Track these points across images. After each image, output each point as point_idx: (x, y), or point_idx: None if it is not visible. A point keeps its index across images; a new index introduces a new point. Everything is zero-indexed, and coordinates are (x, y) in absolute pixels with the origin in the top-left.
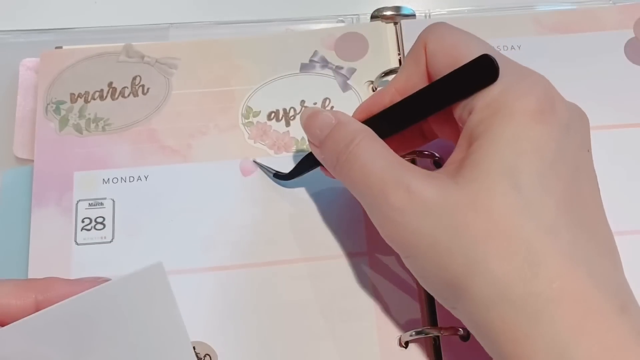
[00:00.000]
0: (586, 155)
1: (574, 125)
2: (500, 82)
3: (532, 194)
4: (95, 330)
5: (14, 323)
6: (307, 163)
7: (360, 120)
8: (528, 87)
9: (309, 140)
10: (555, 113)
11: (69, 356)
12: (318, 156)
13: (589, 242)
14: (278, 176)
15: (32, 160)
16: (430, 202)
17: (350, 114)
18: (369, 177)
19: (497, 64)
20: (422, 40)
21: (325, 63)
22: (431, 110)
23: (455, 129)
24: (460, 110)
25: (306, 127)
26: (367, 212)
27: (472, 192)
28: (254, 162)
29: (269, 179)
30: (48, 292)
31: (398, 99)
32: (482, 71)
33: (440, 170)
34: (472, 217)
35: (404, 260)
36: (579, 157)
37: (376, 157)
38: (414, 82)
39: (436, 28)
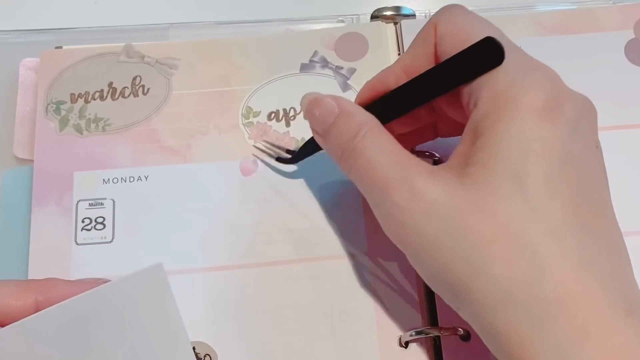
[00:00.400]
0: (595, 153)
1: (582, 123)
2: (508, 73)
3: (538, 197)
4: (95, 331)
5: (14, 323)
6: (310, 146)
7: (365, 101)
8: (536, 82)
9: (311, 127)
10: (563, 111)
11: (69, 357)
12: (322, 145)
13: (596, 244)
14: (281, 160)
15: (32, 160)
16: (434, 203)
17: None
18: (373, 173)
19: (502, 47)
20: (433, 21)
21: (325, 63)
22: (435, 93)
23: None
24: (466, 98)
25: (308, 113)
26: (372, 208)
27: (477, 195)
28: (254, 146)
29: (269, 179)
30: (48, 293)
31: (403, 78)
32: (487, 54)
33: (446, 165)
34: (477, 220)
35: (408, 258)
36: (587, 156)
37: (381, 151)
38: (420, 62)
39: (449, 10)
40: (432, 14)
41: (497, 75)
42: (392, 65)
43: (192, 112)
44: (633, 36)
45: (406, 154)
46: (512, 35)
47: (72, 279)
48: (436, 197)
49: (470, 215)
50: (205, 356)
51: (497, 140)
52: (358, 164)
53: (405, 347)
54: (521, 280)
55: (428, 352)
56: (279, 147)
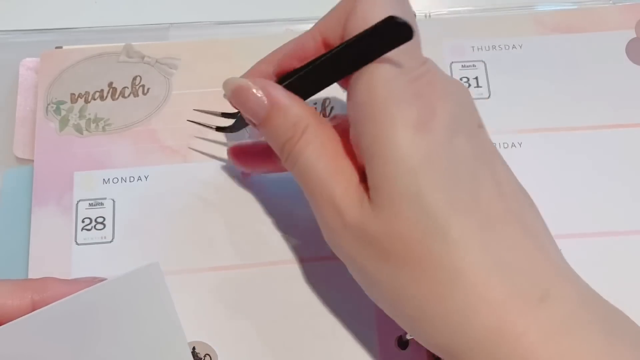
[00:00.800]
0: (479, 137)
1: (460, 116)
2: (383, 81)
3: (438, 212)
4: (91, 330)
5: (10, 322)
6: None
7: (285, 69)
8: (408, 94)
9: (242, 114)
10: (438, 115)
11: (65, 355)
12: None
13: (500, 237)
14: (221, 129)
15: (33, 160)
16: (352, 226)
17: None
18: (309, 181)
19: (407, 25)
20: None
21: None
22: (339, 75)
23: None
24: (349, 89)
25: (235, 103)
26: None
27: (383, 219)
28: (189, 121)
29: (269, 179)
30: (44, 292)
31: (322, 47)
32: (388, 35)
33: (363, 179)
34: (389, 245)
35: None
36: (473, 146)
37: (317, 157)
38: (336, 32)
39: None
40: (432, 13)
41: (374, 81)
42: (311, 29)
43: (192, 112)
44: (634, 35)
45: (341, 158)
46: (513, 35)
47: (71, 278)
48: (352, 221)
49: (382, 241)
50: (205, 356)
51: (382, 165)
52: (296, 170)
53: (405, 347)
54: (435, 297)
55: (426, 352)
56: (212, 113)
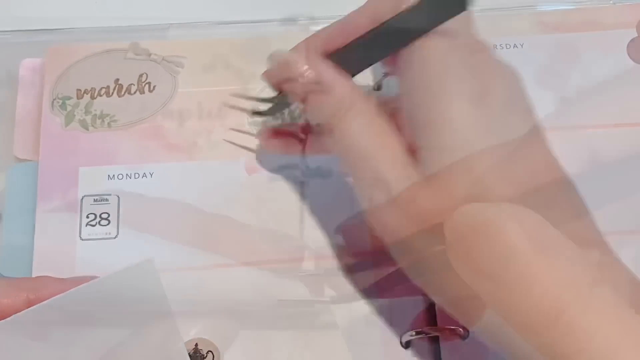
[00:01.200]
0: (531, 118)
1: (512, 96)
2: (438, 55)
3: (490, 186)
4: (85, 327)
5: (5, 320)
6: (285, 103)
7: (337, 45)
8: (463, 69)
9: (285, 88)
10: (491, 92)
11: (60, 352)
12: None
13: (552, 218)
14: (258, 113)
15: (33, 161)
16: (403, 203)
17: None
18: (354, 160)
19: None
20: None
21: None
22: (399, 43)
23: None
24: (400, 63)
25: (281, 78)
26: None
27: (434, 192)
28: (225, 106)
29: (273, 177)
30: (39, 291)
31: (371, 19)
32: (445, 4)
33: (409, 152)
34: (439, 218)
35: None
36: (525, 124)
37: (360, 134)
38: (387, 3)
39: None
40: None
41: (430, 53)
42: (361, 7)
43: (197, 110)
44: (635, 35)
45: (386, 135)
46: (514, 34)
47: (77, 273)
48: (400, 195)
49: (432, 212)
50: (207, 353)
51: (437, 135)
52: (340, 145)
53: (406, 347)
54: (486, 274)
55: (428, 352)
56: (250, 98)
